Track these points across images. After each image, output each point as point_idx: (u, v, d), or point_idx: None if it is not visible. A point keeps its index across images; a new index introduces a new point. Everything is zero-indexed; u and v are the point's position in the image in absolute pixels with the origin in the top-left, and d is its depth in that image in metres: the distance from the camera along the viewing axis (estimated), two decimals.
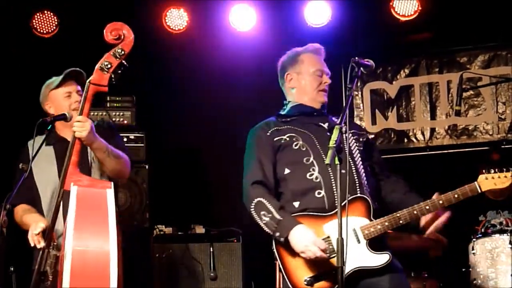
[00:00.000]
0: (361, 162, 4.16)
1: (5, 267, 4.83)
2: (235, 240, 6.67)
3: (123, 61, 4.31)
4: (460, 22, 7.12)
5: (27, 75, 7.17)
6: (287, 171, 4.17)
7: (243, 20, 7.41)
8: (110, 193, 4.09)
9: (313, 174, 4.06)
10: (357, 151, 4.21)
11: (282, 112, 4.46)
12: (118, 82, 4.34)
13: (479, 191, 3.94)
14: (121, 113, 6.77)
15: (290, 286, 3.99)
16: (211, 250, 6.59)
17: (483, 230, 5.98)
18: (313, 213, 4.02)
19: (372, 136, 4.58)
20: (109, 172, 4.62)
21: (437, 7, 7.09)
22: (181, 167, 7.64)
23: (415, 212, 3.96)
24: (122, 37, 4.31)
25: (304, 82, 4.40)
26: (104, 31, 4.30)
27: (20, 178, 4.49)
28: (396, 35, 7.38)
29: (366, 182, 4.12)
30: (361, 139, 4.29)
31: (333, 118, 4.33)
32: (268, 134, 4.31)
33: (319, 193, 4.03)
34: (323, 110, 4.40)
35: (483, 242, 5.67)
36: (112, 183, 4.22)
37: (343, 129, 3.59)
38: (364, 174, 4.14)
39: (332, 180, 4.03)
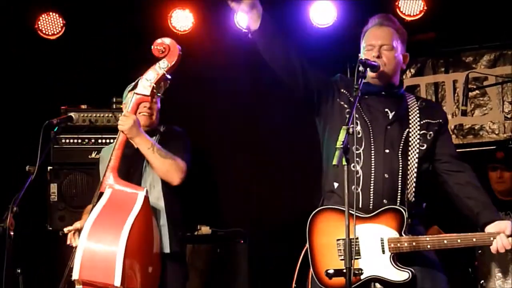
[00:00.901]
0: (415, 164, 3.98)
1: (12, 269, 4.84)
2: (242, 241, 6.67)
3: (167, 74, 4.62)
4: (465, 21, 7.10)
5: (32, 76, 7.19)
6: (324, 155, 4.12)
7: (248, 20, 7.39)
8: (140, 196, 4.34)
9: (356, 166, 3.92)
10: (416, 150, 4.01)
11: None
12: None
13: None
14: None
15: (311, 265, 3.98)
16: (218, 251, 6.60)
17: None
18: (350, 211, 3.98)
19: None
20: (156, 171, 4.77)
21: (443, 6, 7.07)
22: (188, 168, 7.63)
23: (444, 242, 3.84)
24: (168, 51, 4.60)
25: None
26: (153, 45, 4.60)
27: (27, 181, 4.53)
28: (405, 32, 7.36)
29: (413, 187, 3.97)
30: (428, 136, 4.05)
31: (410, 99, 4.16)
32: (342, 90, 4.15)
33: (356, 189, 3.90)
34: (395, 89, 4.16)
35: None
36: (146, 189, 4.45)
37: (350, 130, 3.55)
38: (415, 178, 3.97)
39: (372, 181, 3.94)
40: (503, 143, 7.00)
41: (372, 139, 3.99)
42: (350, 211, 3.91)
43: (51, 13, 7.33)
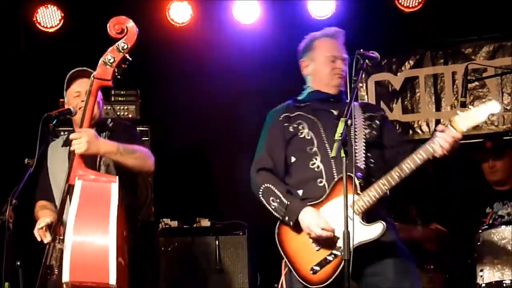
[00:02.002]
0: (363, 144, 4.14)
1: (12, 261, 4.84)
2: (241, 233, 6.68)
3: (127, 55, 4.27)
4: (464, 13, 7.10)
5: (31, 69, 7.18)
6: (293, 159, 4.22)
7: (247, 13, 7.40)
8: (114, 187, 4.06)
9: (315, 163, 4.08)
10: (364, 135, 4.18)
11: (299, 97, 4.46)
12: (123, 76, 4.32)
13: (456, 130, 3.88)
14: (126, 107, 6.76)
15: (296, 274, 4.02)
16: (217, 243, 6.60)
17: (490, 221, 5.97)
18: (312, 202, 4.05)
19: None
20: (132, 170, 4.59)
21: None
22: (186, 161, 7.64)
23: (397, 174, 3.90)
24: (126, 31, 4.26)
25: (317, 69, 4.39)
26: (108, 25, 4.26)
27: (25, 173, 4.51)
28: (401, 26, 7.36)
29: (364, 159, 4.10)
30: (374, 125, 4.27)
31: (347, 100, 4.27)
32: (280, 119, 4.32)
33: (320, 182, 4.06)
34: (341, 95, 4.36)
35: (489, 234, 5.64)
36: (117, 177, 4.17)
37: (349, 122, 3.58)
38: (364, 152, 4.12)
39: (334, 169, 4.04)
40: (502, 135, 6.99)
41: (323, 134, 4.15)
42: (314, 202, 4.07)
43: (49, 6, 7.33)
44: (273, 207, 4.12)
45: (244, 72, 7.43)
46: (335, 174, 4.03)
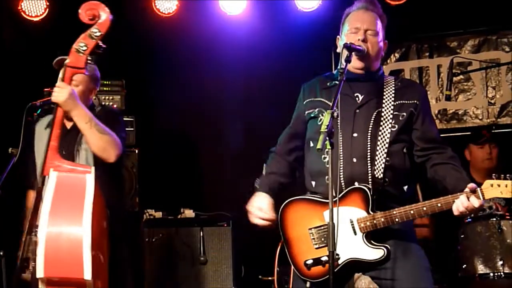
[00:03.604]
0: (385, 144, 3.91)
1: None
2: (225, 224, 6.68)
3: (100, 42, 4.15)
4: (450, 6, 7.11)
5: (16, 58, 7.14)
6: (310, 144, 4.08)
7: (233, 3, 7.37)
8: (89, 178, 3.96)
9: (326, 158, 3.89)
10: (388, 131, 3.94)
11: (334, 72, 4.21)
12: (107, 65, 4.27)
13: (482, 199, 3.67)
14: (111, 97, 6.73)
15: (290, 259, 4.00)
16: (201, 234, 6.60)
17: (472, 215, 5.98)
18: (317, 198, 3.98)
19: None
20: (93, 148, 4.54)
21: None
22: (171, 151, 7.63)
23: (411, 212, 3.78)
24: (98, 16, 4.15)
25: (341, 45, 4.05)
26: (79, 10, 4.16)
27: (10, 161, 4.48)
28: (387, 19, 7.35)
29: (381, 168, 3.89)
30: (400, 117, 3.96)
31: (388, 80, 4.10)
32: (305, 102, 4.14)
33: (327, 179, 3.79)
34: (373, 72, 4.08)
35: (472, 227, 5.67)
36: (93, 168, 4.05)
37: (335, 114, 3.54)
38: (384, 159, 3.90)
39: (341, 167, 3.90)
40: (487, 128, 7.01)
41: (339, 125, 3.94)
42: (313, 198, 4.01)
43: None
44: (257, 183, 4.20)
45: (230, 63, 7.42)
46: (341, 174, 3.89)
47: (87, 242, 3.74)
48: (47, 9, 7.28)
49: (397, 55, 7.56)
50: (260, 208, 4.03)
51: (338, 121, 3.89)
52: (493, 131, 6.79)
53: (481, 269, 5.54)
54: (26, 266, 4.10)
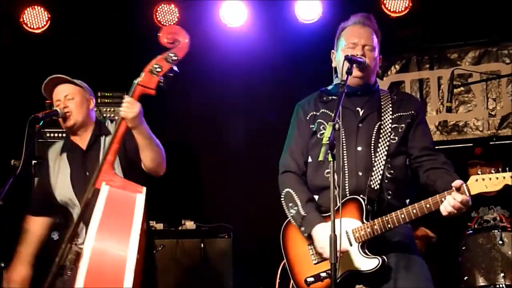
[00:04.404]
0: (383, 156, 3.94)
1: None
2: (226, 236, 6.68)
3: (174, 67, 4.18)
4: (450, 18, 7.14)
5: (18, 70, 7.16)
6: (310, 159, 4.10)
7: (234, 15, 7.40)
8: (140, 198, 3.96)
9: (329, 172, 3.75)
10: (387, 143, 3.97)
11: (329, 87, 4.23)
12: (167, 87, 4.20)
13: (467, 195, 3.67)
14: (112, 109, 6.74)
15: (291, 278, 4.02)
16: (202, 246, 6.60)
17: (475, 226, 5.98)
18: (325, 212, 3.99)
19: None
20: (148, 162, 4.50)
21: (428, 3, 7.10)
22: (172, 163, 7.61)
23: (402, 216, 3.78)
24: (178, 42, 4.18)
25: (337, 59, 4.14)
26: (160, 32, 4.18)
27: (12, 175, 4.48)
28: (387, 31, 7.34)
29: (380, 180, 3.91)
30: (400, 129, 4.00)
31: (384, 94, 4.13)
32: (307, 119, 4.15)
33: (333, 192, 3.88)
34: (370, 86, 4.12)
35: (474, 239, 5.68)
36: (145, 188, 4.06)
37: (337, 126, 3.54)
38: (381, 171, 3.92)
39: (346, 180, 3.93)
40: (487, 140, 7.03)
41: (343, 139, 3.98)
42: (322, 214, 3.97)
43: (36, 7, 7.31)
44: (291, 214, 4.04)
45: (230, 74, 7.44)
46: (346, 187, 3.91)
47: (130, 264, 3.72)
48: (49, 22, 7.30)
49: (397, 66, 7.58)
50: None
51: (342, 133, 3.91)
52: (492, 142, 6.81)
53: (482, 281, 5.54)
54: (61, 274, 4.08)
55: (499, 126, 7.16)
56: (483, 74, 6.75)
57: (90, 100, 4.73)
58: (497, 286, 5.47)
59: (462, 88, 7.16)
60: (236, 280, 6.62)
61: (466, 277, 5.63)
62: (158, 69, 4.13)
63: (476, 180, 3.69)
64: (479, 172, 3.69)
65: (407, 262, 3.89)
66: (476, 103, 7.26)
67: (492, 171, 3.67)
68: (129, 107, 4.16)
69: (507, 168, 3.65)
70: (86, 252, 3.73)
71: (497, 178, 3.67)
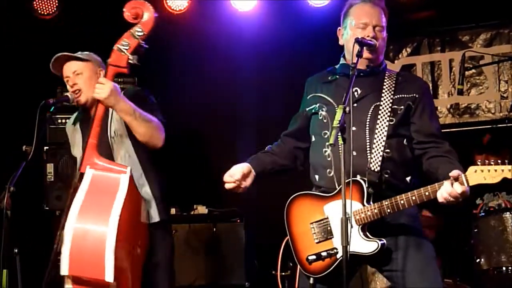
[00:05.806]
0: (383, 137, 3.91)
1: (10, 249, 4.85)
2: (238, 220, 6.69)
3: (142, 42, 4.15)
4: (462, 0, 7.09)
5: (29, 56, 7.17)
6: (313, 138, 4.13)
7: (244, 0, 7.38)
8: (124, 178, 3.97)
9: (327, 151, 3.96)
10: (385, 124, 3.93)
11: (336, 66, 4.20)
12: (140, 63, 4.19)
13: (466, 185, 3.61)
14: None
15: (294, 255, 4.03)
16: (214, 230, 6.61)
17: (481, 213, 5.95)
18: (318, 193, 4.01)
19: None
20: (140, 137, 4.43)
21: None
22: (183, 147, 7.64)
23: (402, 202, 3.75)
24: (142, 16, 4.13)
25: (346, 39, 4.09)
26: (123, 9, 4.14)
27: (24, 161, 4.49)
28: (398, 14, 7.34)
29: (380, 162, 3.89)
30: (398, 111, 3.96)
31: (389, 74, 4.09)
32: (309, 98, 4.19)
33: (329, 172, 3.96)
34: (376, 67, 4.07)
35: (486, 221, 5.66)
36: (129, 168, 4.06)
37: (347, 109, 3.54)
38: (381, 152, 3.90)
39: (342, 162, 3.82)
40: (499, 122, 7.00)
41: None
42: (315, 192, 4.05)
43: None
44: None
45: (241, 60, 7.43)
46: (342, 167, 3.82)
47: (110, 243, 3.73)
48: (59, 8, 7.31)
49: (409, 49, 7.55)
50: (230, 174, 4.17)
51: (351, 116, 3.87)
52: (505, 124, 6.78)
53: (494, 263, 5.53)
54: (59, 260, 4.11)
55: (511, 108, 7.13)
56: (495, 56, 6.71)
57: (100, 72, 4.64)
58: (510, 267, 5.47)
59: (473, 71, 7.12)
60: (248, 264, 6.63)
61: (478, 259, 5.62)
62: (126, 47, 4.13)
63: (475, 171, 3.63)
64: (478, 163, 3.63)
65: (413, 242, 3.89)
66: (488, 85, 7.23)
67: (491, 163, 3.59)
68: (101, 87, 4.17)
69: (506, 161, 3.57)
70: (67, 236, 3.75)
71: (495, 170, 3.60)
